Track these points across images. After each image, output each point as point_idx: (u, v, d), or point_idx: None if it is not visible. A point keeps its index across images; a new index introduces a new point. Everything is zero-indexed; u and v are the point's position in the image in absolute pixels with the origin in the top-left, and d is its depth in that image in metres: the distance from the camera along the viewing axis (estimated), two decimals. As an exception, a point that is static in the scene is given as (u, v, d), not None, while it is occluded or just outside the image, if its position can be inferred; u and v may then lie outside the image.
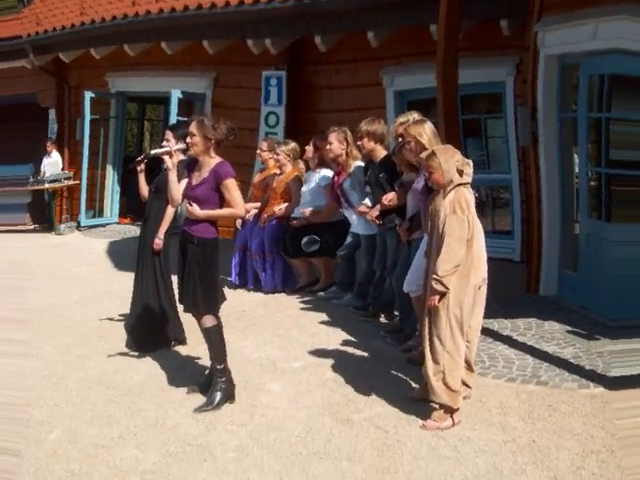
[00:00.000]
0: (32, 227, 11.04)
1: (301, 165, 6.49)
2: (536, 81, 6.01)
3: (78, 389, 4.28)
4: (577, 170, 6.05)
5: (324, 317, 5.65)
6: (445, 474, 3.26)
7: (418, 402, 3.90)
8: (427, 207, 3.85)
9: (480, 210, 6.30)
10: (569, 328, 5.14)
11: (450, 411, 3.67)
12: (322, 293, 6.23)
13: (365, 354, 4.85)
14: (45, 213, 11.05)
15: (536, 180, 6.16)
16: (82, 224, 10.47)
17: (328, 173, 6.10)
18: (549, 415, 3.75)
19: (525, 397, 3.99)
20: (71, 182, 10.75)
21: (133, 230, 9.65)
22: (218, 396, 3.94)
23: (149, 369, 4.60)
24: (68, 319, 5.82)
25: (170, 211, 4.83)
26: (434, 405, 3.73)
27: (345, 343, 5.06)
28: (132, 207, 10.32)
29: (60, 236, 10.36)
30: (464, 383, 3.82)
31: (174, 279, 4.61)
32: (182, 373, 4.49)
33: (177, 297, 4.35)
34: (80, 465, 3.33)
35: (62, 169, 10.81)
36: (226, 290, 4.80)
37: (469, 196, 3.66)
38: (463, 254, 3.54)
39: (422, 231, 4.37)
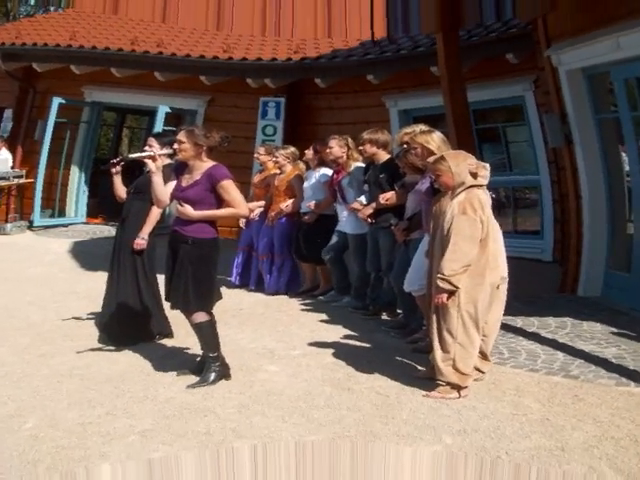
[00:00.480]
0: (-27, 227, 12.23)
1: (301, 165, 8.02)
2: (560, 92, 7.48)
3: (46, 384, 4.86)
4: (627, 168, 7.26)
5: (324, 316, 6.84)
6: (443, 424, 4.15)
7: (424, 380, 4.82)
8: (431, 208, 4.89)
9: (498, 211, 7.62)
10: (614, 329, 6.06)
11: (457, 387, 4.57)
12: (322, 297, 7.61)
13: (368, 345, 5.88)
14: (-12, 212, 12.37)
15: (573, 180, 7.58)
16: (36, 224, 11.99)
17: (328, 171, 7.57)
18: (572, 403, 4.42)
19: (547, 386, 4.74)
20: (22, 180, 12.28)
21: (106, 230, 11.20)
22: (212, 375, 4.87)
23: (130, 360, 5.41)
24: (22, 320, 6.67)
25: (156, 212, 5.83)
26: (440, 382, 4.63)
27: (346, 337, 6.13)
28: (104, 207, 12.08)
29: (6, 236, 11.73)
30: (477, 369, 4.73)
31: (159, 278, 5.63)
32: (170, 361, 5.36)
33: (163, 295, 5.25)
34: (69, 440, 3.95)
35: (12, 167, 12.31)
36: (224, 290, 5.71)
37: (484, 197, 4.67)
38: (474, 254, 4.51)
39: (422, 231, 5.51)
